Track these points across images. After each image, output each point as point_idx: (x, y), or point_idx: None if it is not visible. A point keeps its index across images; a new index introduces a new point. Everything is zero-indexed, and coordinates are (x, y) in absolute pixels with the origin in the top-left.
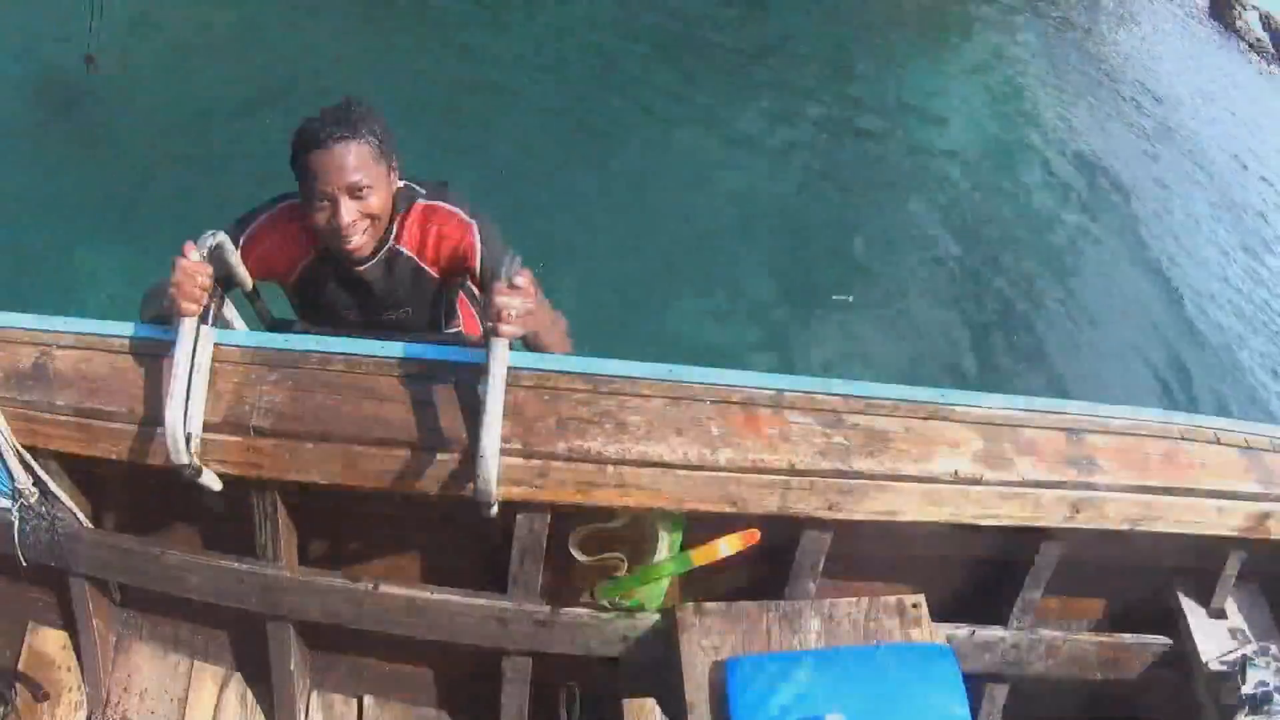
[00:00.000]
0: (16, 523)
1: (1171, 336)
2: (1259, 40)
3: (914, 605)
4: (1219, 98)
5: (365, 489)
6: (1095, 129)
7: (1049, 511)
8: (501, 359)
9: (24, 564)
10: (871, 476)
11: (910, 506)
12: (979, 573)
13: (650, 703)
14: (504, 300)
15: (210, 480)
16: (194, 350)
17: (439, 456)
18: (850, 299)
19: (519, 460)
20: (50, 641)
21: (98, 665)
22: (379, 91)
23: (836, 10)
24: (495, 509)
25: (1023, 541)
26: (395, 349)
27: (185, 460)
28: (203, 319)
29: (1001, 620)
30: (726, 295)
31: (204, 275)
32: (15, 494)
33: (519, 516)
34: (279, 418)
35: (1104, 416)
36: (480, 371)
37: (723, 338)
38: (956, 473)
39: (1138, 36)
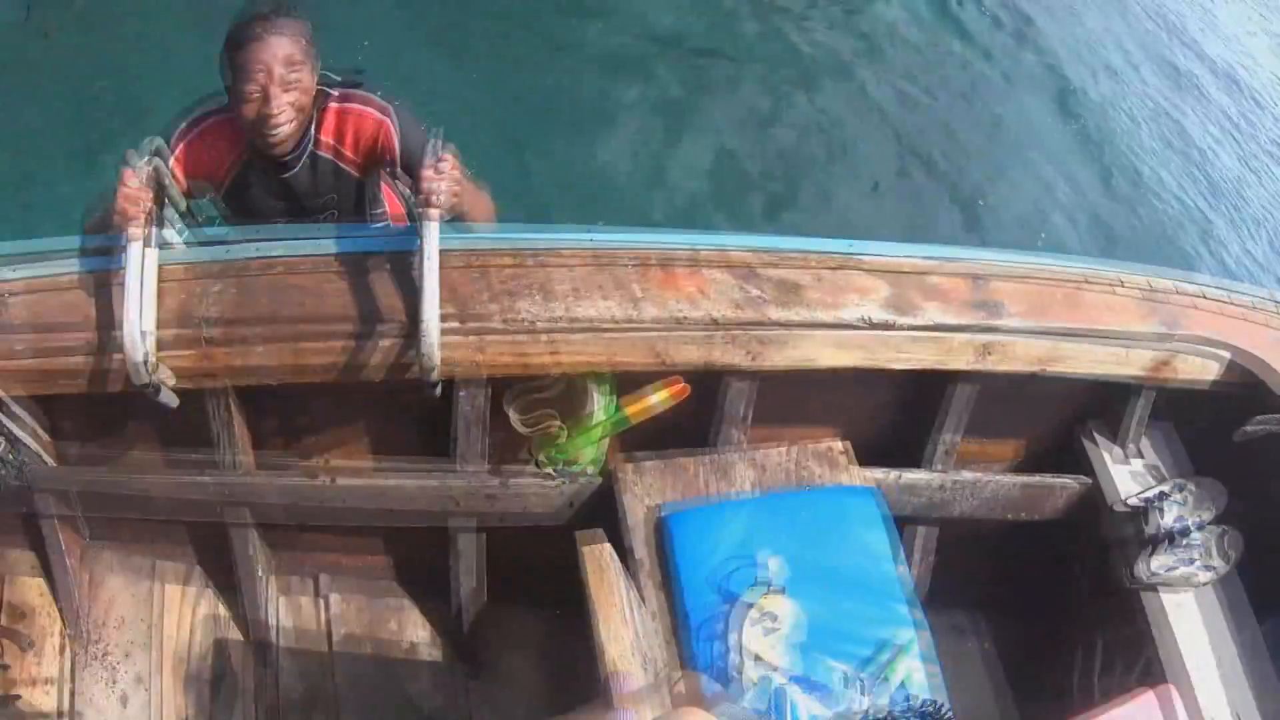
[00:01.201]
0: None
1: (1084, 186)
2: None
3: (840, 451)
4: None
5: (314, 382)
6: None
7: (958, 354)
8: (433, 238)
9: None
10: (787, 325)
11: (825, 353)
12: (899, 419)
13: (607, 549)
14: (431, 182)
15: (169, 398)
16: (141, 272)
17: (382, 341)
18: None
19: (457, 336)
20: (28, 590)
21: (75, 604)
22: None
23: None
24: (438, 386)
25: (936, 385)
26: (330, 245)
27: (146, 380)
28: (146, 241)
29: (924, 465)
30: (642, 149)
31: (145, 198)
32: None
33: (460, 391)
34: (227, 324)
35: (1007, 263)
36: (413, 254)
37: (642, 193)
38: (868, 318)
39: None
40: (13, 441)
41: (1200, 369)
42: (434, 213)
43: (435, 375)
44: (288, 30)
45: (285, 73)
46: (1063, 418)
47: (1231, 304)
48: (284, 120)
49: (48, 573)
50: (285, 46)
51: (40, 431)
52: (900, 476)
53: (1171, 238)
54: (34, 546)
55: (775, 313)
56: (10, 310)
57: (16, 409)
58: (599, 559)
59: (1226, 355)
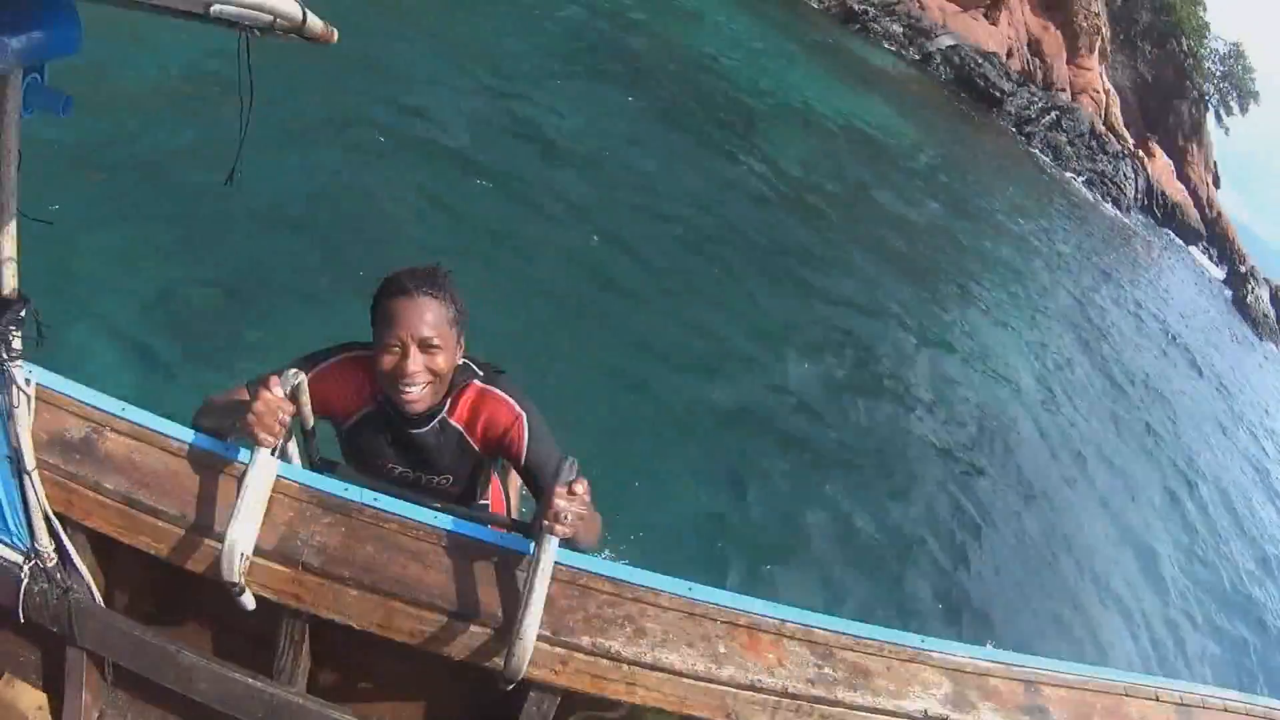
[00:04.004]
0: (25, 581)
1: (1151, 606)
2: (1265, 315)
3: None
4: (1229, 372)
5: (397, 642)
6: (1109, 375)
7: None
8: (550, 553)
9: (22, 622)
10: (852, 707)
11: None
12: None
13: None
14: (563, 504)
15: (248, 600)
16: (261, 476)
17: (472, 628)
18: None
19: (545, 645)
20: (25, 699)
21: None
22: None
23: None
24: (514, 684)
25: None
26: (446, 521)
27: (235, 579)
28: (273, 450)
29: None
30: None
31: (285, 412)
32: (31, 554)
33: (531, 694)
34: (329, 558)
35: (1058, 671)
36: (523, 559)
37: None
38: (926, 711)
39: (1154, 286)
40: (66, 564)
41: None
42: (559, 529)
43: (519, 678)
44: (441, 298)
45: (429, 337)
46: None
47: (1249, 715)
48: (419, 381)
49: (54, 694)
50: (434, 312)
51: (97, 566)
52: None
53: (1204, 656)
54: (48, 664)
55: (843, 694)
56: (109, 444)
57: (82, 537)
58: None
59: None
